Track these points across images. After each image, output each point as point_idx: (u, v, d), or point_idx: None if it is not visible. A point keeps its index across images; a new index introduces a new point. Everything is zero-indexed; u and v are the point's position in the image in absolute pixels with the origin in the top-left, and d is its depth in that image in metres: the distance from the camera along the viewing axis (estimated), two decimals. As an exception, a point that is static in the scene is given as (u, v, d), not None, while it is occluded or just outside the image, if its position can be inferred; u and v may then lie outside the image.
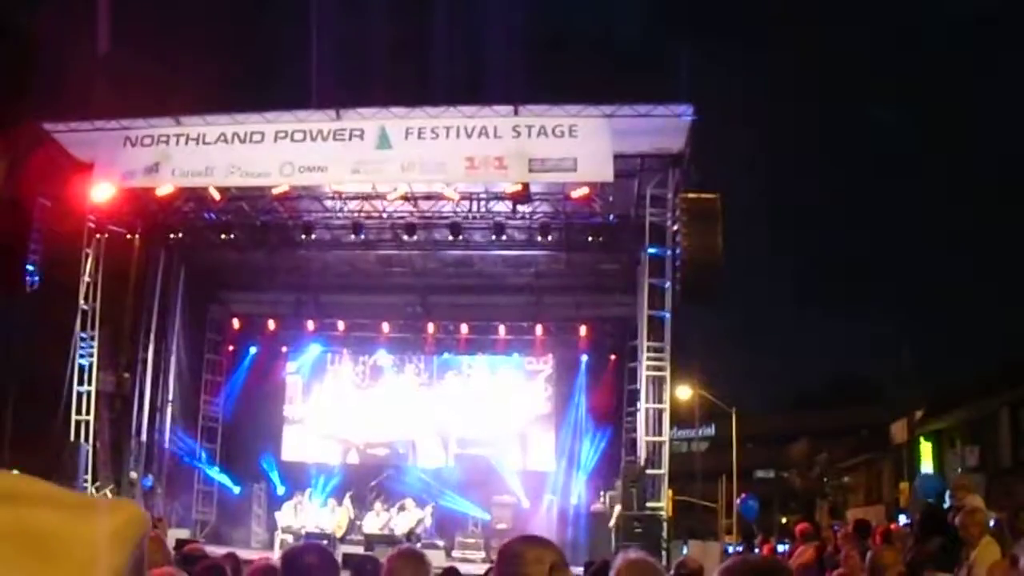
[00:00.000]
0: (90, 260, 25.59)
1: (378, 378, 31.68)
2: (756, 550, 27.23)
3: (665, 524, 23.28)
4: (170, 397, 29.16)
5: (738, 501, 40.48)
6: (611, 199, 25.12)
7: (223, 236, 27.48)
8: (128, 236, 26.20)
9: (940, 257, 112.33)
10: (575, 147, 22.02)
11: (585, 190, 24.20)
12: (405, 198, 25.77)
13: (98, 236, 25.60)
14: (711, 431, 61.89)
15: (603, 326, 30.51)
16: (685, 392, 41.57)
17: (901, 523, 23.02)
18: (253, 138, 23.32)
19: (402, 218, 26.55)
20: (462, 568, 14.23)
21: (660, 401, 24.03)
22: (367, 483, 28.75)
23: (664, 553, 21.43)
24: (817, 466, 58.44)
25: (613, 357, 29.97)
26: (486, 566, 22.11)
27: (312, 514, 26.81)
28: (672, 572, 9.26)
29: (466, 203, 25.86)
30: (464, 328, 30.85)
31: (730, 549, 31.29)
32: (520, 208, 25.57)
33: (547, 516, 28.40)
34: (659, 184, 23.78)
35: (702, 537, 40.28)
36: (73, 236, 25.09)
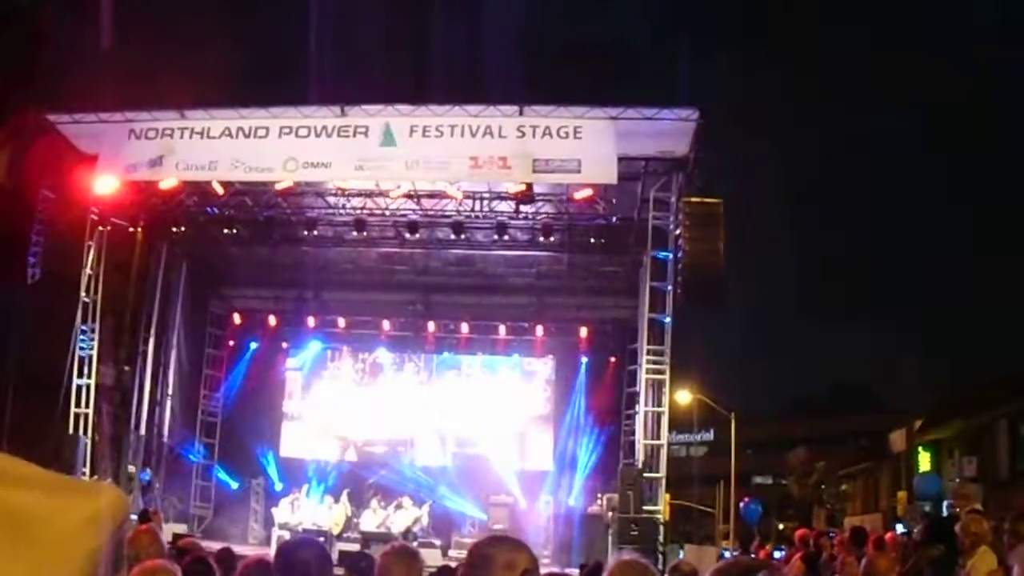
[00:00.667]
0: (92, 252, 25.55)
1: (378, 376, 31.68)
2: (752, 556, 27.23)
3: (662, 528, 23.27)
4: (170, 391, 29.17)
5: (741, 504, 40.53)
6: (614, 201, 25.11)
7: (226, 231, 27.51)
8: (130, 229, 26.19)
9: (942, 267, 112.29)
10: (579, 148, 21.99)
11: (588, 192, 24.18)
12: (408, 196, 25.77)
13: (100, 228, 25.57)
14: (710, 436, 61.92)
15: (603, 328, 30.51)
16: (684, 396, 41.54)
17: (898, 532, 23.00)
18: (257, 133, 23.28)
19: (405, 216, 26.54)
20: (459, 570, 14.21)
21: (659, 404, 24.02)
22: (365, 481, 28.76)
23: (660, 557, 21.43)
24: (815, 473, 58.51)
25: (613, 359, 29.96)
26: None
27: (309, 511, 26.80)
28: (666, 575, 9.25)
29: (469, 202, 25.84)
30: (464, 327, 30.89)
31: (727, 554, 31.26)
32: (523, 208, 25.56)
33: (544, 517, 28.38)
34: (662, 187, 23.76)
35: (699, 542, 40.31)
36: (75, 228, 25.09)
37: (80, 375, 25.30)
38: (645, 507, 22.83)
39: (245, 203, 26.54)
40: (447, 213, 26.28)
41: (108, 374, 26.52)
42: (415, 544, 21.81)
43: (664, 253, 23.72)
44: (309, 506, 27.12)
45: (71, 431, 24.63)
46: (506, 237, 26.35)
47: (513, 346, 31.16)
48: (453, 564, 14.02)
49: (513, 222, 26.15)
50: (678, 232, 23.03)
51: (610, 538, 23.13)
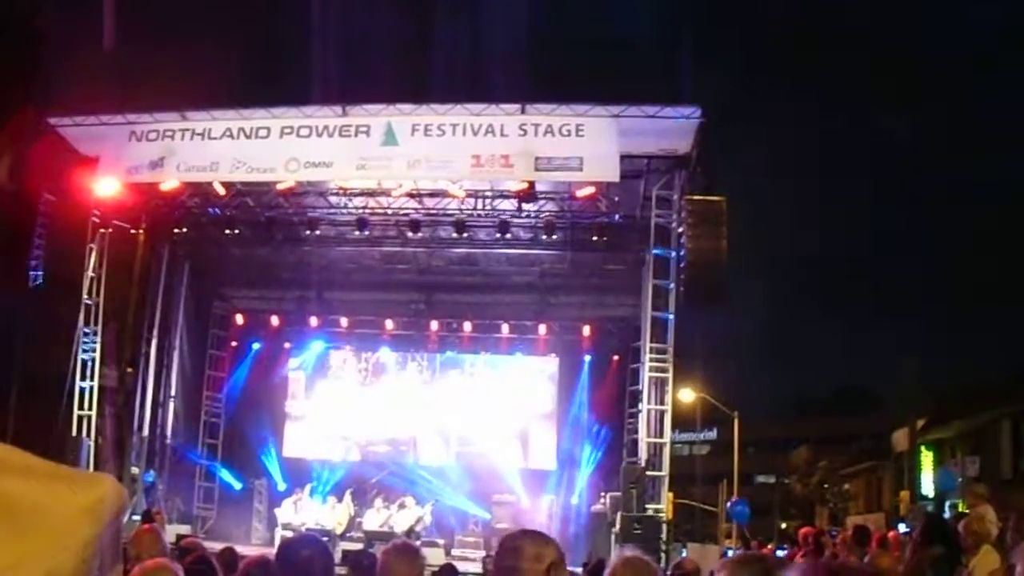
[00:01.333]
0: (94, 255, 25.58)
1: (381, 375, 31.69)
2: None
3: (664, 526, 23.28)
4: (172, 393, 29.17)
5: (728, 504, 40.34)
6: (616, 199, 25.11)
7: (227, 232, 27.51)
8: (132, 231, 26.18)
9: (944, 267, 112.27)
10: (581, 147, 21.99)
11: (591, 190, 24.18)
12: (410, 195, 25.77)
13: (102, 231, 25.59)
14: (713, 435, 61.99)
15: (606, 326, 30.51)
16: (688, 395, 41.58)
17: (900, 531, 22.98)
18: (259, 133, 23.30)
19: (407, 215, 26.51)
20: (461, 566, 14.23)
21: (662, 403, 24.03)
22: (368, 480, 28.79)
23: (663, 555, 21.42)
24: (818, 473, 58.58)
25: (616, 357, 29.96)
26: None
27: (312, 511, 26.81)
28: (669, 573, 9.23)
29: (471, 201, 25.82)
30: (467, 326, 30.86)
31: (729, 553, 31.26)
32: (525, 207, 25.55)
33: (547, 515, 28.39)
34: (665, 185, 23.78)
35: (701, 541, 40.27)
36: (77, 231, 25.10)
37: (83, 377, 25.34)
38: (648, 506, 22.85)
39: (247, 204, 26.53)
40: (449, 212, 26.26)
41: (111, 376, 26.55)
42: (418, 543, 21.80)
43: (667, 251, 23.72)
44: (312, 506, 27.12)
45: (74, 433, 24.68)
46: (508, 235, 26.32)
47: (516, 345, 31.16)
48: (456, 563, 14.04)
49: (515, 220, 26.12)
50: (680, 230, 23.03)
51: (613, 536, 23.11)
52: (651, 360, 23.92)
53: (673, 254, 23.53)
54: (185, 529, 24.20)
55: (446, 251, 28.57)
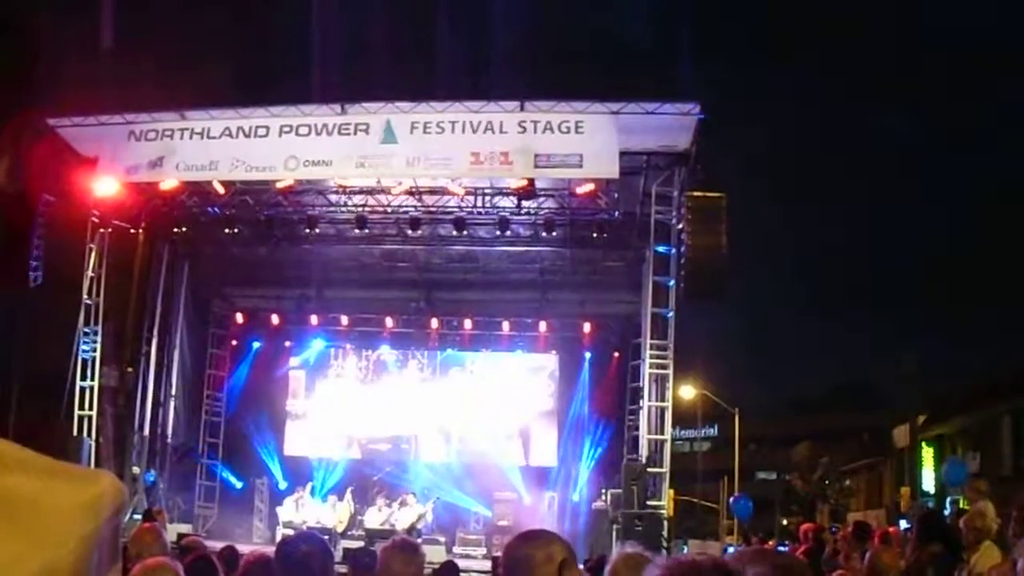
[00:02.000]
0: (94, 255, 25.56)
1: (381, 373, 31.69)
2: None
3: (666, 523, 23.29)
4: (173, 392, 29.18)
5: (731, 500, 40.37)
6: (616, 196, 25.12)
7: (227, 231, 27.49)
8: (132, 231, 26.18)
9: (945, 262, 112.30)
10: (581, 143, 21.99)
11: (590, 186, 24.20)
12: (410, 193, 25.77)
13: (102, 231, 25.57)
14: (714, 431, 62.04)
15: (607, 323, 30.51)
16: (688, 392, 41.63)
17: (901, 527, 22.99)
18: (258, 132, 23.30)
19: (407, 213, 26.50)
20: (463, 564, 14.23)
21: (663, 399, 24.04)
22: (369, 478, 28.80)
23: (664, 552, 21.39)
24: (819, 469, 58.62)
25: (616, 354, 29.94)
26: (487, 562, 22.19)
27: (313, 509, 26.81)
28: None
29: (471, 198, 25.82)
30: (468, 323, 30.85)
31: (730, 549, 31.27)
32: (525, 204, 25.54)
33: (548, 513, 28.36)
34: (665, 182, 23.77)
35: (702, 537, 40.30)
36: (77, 231, 25.11)
37: (83, 377, 25.33)
38: (649, 502, 22.84)
39: (246, 202, 26.52)
40: (449, 209, 26.26)
41: (111, 376, 26.54)
42: (419, 541, 21.79)
43: (667, 248, 23.72)
44: (313, 504, 27.12)
45: (75, 433, 24.66)
46: (508, 233, 26.31)
47: (516, 342, 31.16)
48: (457, 560, 14.04)
49: (515, 218, 26.11)
50: (680, 227, 23.02)
51: (614, 533, 23.10)
52: (652, 357, 23.92)
53: (673, 251, 23.52)
54: (186, 528, 24.20)
55: (446, 249, 28.59)
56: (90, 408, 25.20)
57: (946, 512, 20.64)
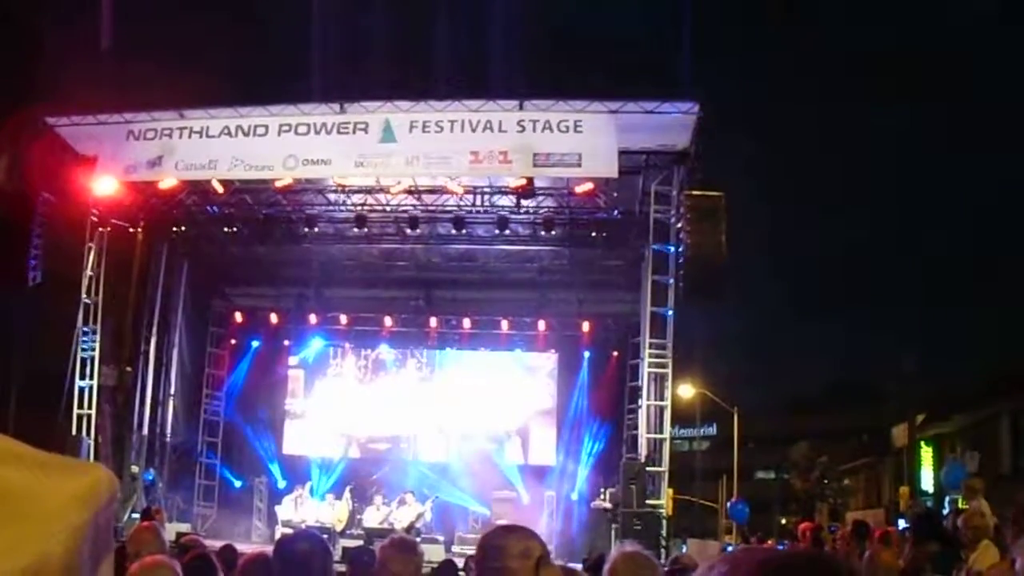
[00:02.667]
0: (92, 254, 25.58)
1: (380, 372, 31.66)
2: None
3: (665, 522, 23.29)
4: (172, 391, 29.21)
5: (728, 504, 40.37)
6: (615, 195, 25.15)
7: (226, 229, 27.51)
8: (131, 230, 26.19)
9: (944, 262, 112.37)
10: (580, 142, 22.03)
11: (589, 185, 24.23)
12: (409, 191, 25.79)
13: (101, 230, 25.59)
14: (712, 430, 62.01)
15: (606, 322, 30.49)
16: (687, 391, 41.59)
17: (900, 527, 22.98)
18: (257, 131, 23.34)
19: (405, 212, 26.52)
20: (461, 563, 14.20)
21: (661, 398, 24.06)
22: (368, 477, 28.78)
23: (663, 551, 21.41)
24: (818, 468, 58.62)
25: (615, 353, 29.93)
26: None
27: (312, 508, 26.79)
28: (667, 568, 9.22)
29: (470, 197, 25.85)
30: (467, 322, 30.84)
31: (729, 549, 31.29)
32: (524, 203, 25.57)
33: (547, 512, 28.34)
34: (663, 181, 23.80)
35: (701, 536, 40.30)
36: (76, 230, 25.12)
37: (82, 376, 25.35)
38: (648, 501, 22.85)
39: (245, 201, 26.54)
40: (448, 208, 26.27)
41: (110, 375, 26.55)
42: (418, 540, 21.78)
43: (666, 247, 23.73)
44: (312, 503, 27.10)
45: (74, 432, 24.67)
46: (507, 232, 26.33)
47: (515, 341, 31.13)
48: (456, 559, 14.02)
49: (514, 216, 26.13)
50: (679, 226, 23.02)
51: (613, 532, 23.12)
52: (650, 356, 23.93)
53: (672, 250, 23.54)
54: (185, 527, 24.18)
55: (445, 247, 28.62)
56: (89, 407, 25.22)
57: (945, 512, 20.66)
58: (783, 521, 57.45)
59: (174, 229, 28.00)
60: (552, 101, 22.77)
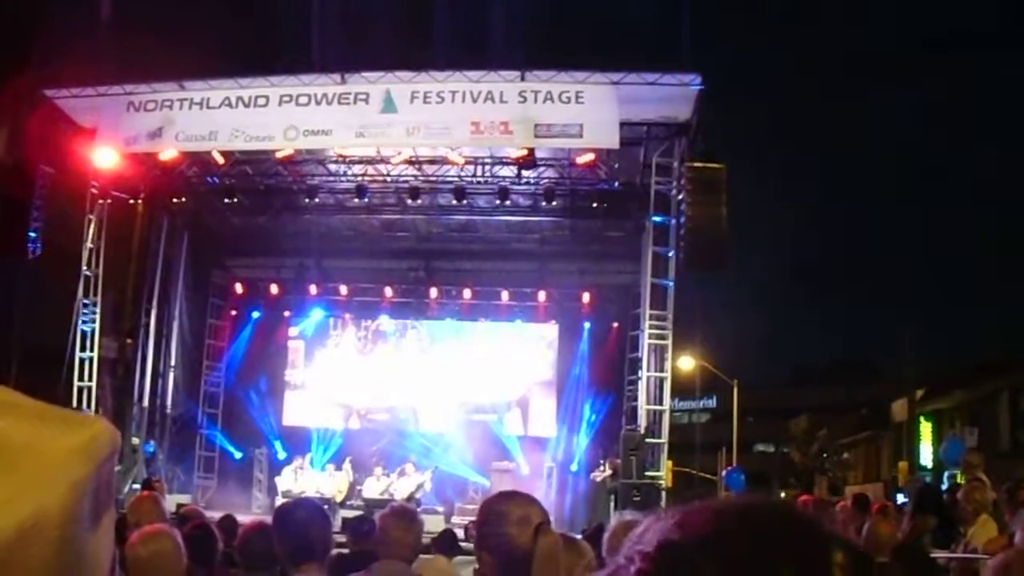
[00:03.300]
0: (93, 226, 25.52)
1: (380, 343, 31.68)
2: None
3: (664, 494, 23.32)
4: (172, 363, 29.23)
5: (724, 473, 40.32)
6: (616, 166, 25.12)
7: (226, 201, 27.42)
8: (131, 202, 26.17)
9: (946, 236, 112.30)
10: (581, 113, 21.98)
11: (590, 156, 24.19)
12: (409, 162, 25.78)
13: (101, 202, 25.52)
14: (712, 403, 62.07)
15: (606, 293, 30.46)
16: (687, 363, 41.57)
17: (899, 502, 23.04)
18: (257, 102, 23.27)
19: (406, 182, 26.50)
20: (461, 534, 14.26)
21: (661, 370, 24.09)
22: (368, 448, 28.78)
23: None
24: (817, 442, 58.75)
25: (615, 325, 29.91)
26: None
27: (312, 479, 26.81)
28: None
29: (471, 168, 25.84)
30: (467, 293, 30.78)
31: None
32: (525, 173, 25.56)
33: (546, 483, 28.36)
34: (665, 153, 23.77)
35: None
36: (76, 202, 25.07)
37: (83, 349, 25.34)
38: (647, 473, 22.91)
39: (246, 172, 26.53)
40: (449, 179, 26.26)
41: (110, 347, 26.57)
42: (418, 510, 21.81)
43: (666, 218, 23.73)
44: (312, 474, 27.12)
45: (74, 404, 24.66)
46: (508, 202, 26.31)
47: (515, 312, 31.10)
48: (456, 530, 14.06)
49: (515, 187, 26.11)
50: (680, 197, 22.99)
51: (612, 504, 23.18)
52: (651, 327, 23.95)
53: (673, 221, 23.53)
54: (185, 499, 24.21)
55: (445, 218, 28.64)
56: (89, 380, 25.22)
57: (943, 487, 20.71)
58: (783, 494, 57.57)
59: (174, 201, 27.94)
60: (553, 72, 22.70)
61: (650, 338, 23.95)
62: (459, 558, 10.15)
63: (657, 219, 23.86)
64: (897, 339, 41.42)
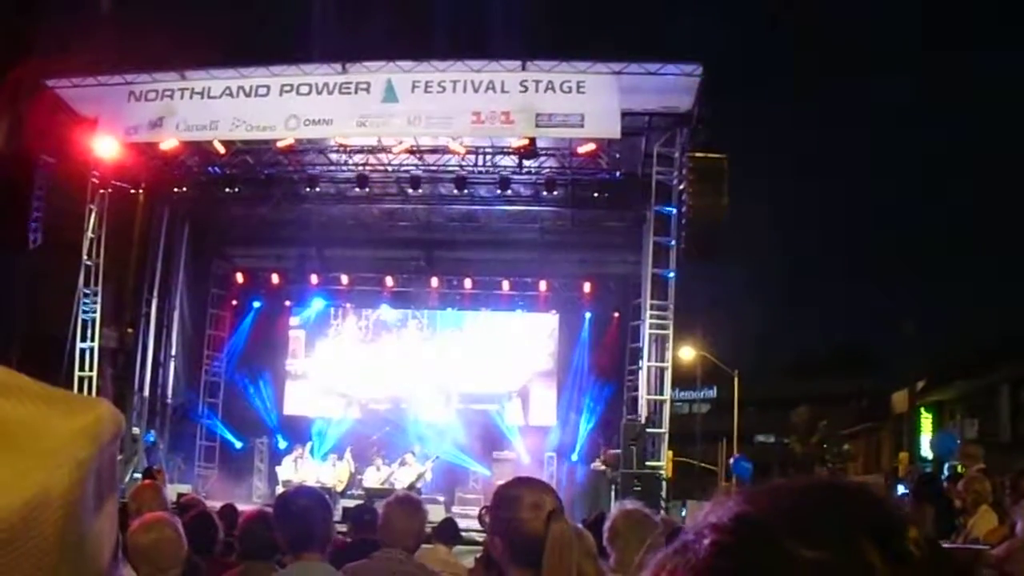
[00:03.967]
0: (94, 216, 25.50)
1: (381, 333, 31.69)
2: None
3: (664, 484, 23.36)
4: (173, 352, 29.23)
5: (731, 460, 40.35)
6: (617, 156, 25.13)
7: (227, 190, 27.42)
8: (132, 191, 26.13)
9: (946, 227, 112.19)
10: (583, 103, 21.99)
11: (591, 146, 24.19)
12: (410, 151, 25.76)
13: (102, 192, 25.50)
14: (712, 393, 62.02)
15: (607, 283, 30.44)
16: (688, 353, 41.60)
17: (899, 493, 23.05)
18: (258, 91, 23.28)
19: (407, 172, 26.49)
20: (462, 523, 14.26)
21: (662, 360, 24.09)
22: (368, 438, 28.80)
23: (663, 512, 21.49)
24: (818, 433, 58.70)
25: (616, 314, 29.91)
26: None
27: (313, 468, 26.84)
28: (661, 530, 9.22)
29: (472, 157, 25.84)
30: (468, 283, 30.79)
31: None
32: (526, 163, 25.54)
33: (547, 472, 28.39)
34: (666, 143, 23.74)
35: (700, 499, 40.37)
36: (76, 192, 25.05)
37: (83, 338, 25.35)
38: (648, 463, 22.93)
39: (246, 162, 26.50)
40: (450, 168, 26.26)
41: (111, 337, 26.58)
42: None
43: (667, 208, 23.72)
44: (313, 464, 27.15)
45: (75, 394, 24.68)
46: (509, 192, 26.33)
47: (516, 301, 31.13)
48: (456, 519, 14.09)
49: (516, 177, 26.11)
50: (682, 187, 23.01)
51: (612, 493, 23.21)
52: (651, 317, 23.95)
53: (674, 211, 23.54)
54: (186, 488, 24.28)
55: (446, 208, 28.62)
56: (90, 369, 25.25)
57: (944, 477, 20.73)
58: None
59: (175, 190, 27.93)
60: (555, 62, 22.69)
61: (651, 328, 23.95)
62: (459, 547, 10.16)
63: (658, 209, 23.83)
64: (898, 330, 41.43)
